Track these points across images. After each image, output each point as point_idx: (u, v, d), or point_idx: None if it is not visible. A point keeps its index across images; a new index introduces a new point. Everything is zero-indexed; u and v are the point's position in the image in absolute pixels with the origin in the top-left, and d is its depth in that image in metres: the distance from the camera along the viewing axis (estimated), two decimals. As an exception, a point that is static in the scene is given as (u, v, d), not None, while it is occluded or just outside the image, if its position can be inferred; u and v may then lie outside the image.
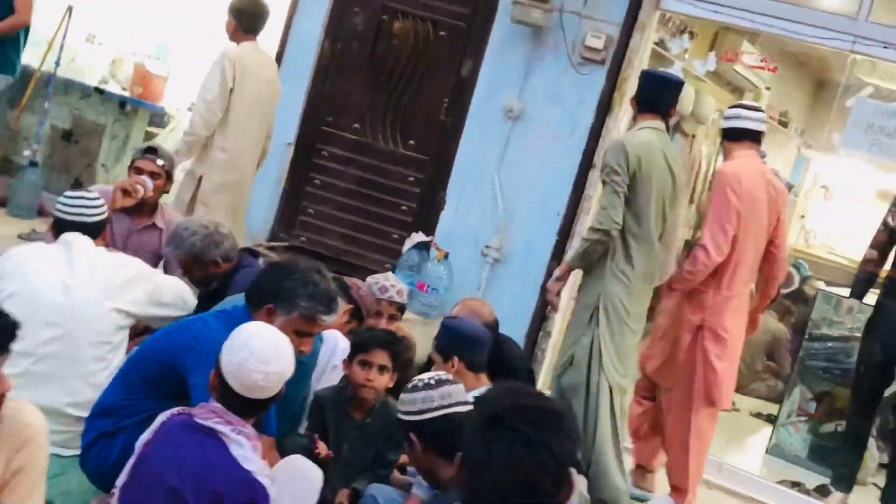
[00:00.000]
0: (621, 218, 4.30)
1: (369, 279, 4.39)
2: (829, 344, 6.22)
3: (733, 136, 4.67)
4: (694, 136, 7.42)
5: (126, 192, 4.56)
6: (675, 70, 6.05)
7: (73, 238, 3.62)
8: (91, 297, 3.49)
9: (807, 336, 6.26)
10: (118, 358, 3.53)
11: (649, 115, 4.48)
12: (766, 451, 6.24)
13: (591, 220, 5.32)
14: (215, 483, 2.61)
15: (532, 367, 4.75)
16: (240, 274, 4.32)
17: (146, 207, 4.69)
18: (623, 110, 5.80)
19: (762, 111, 4.80)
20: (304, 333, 3.14)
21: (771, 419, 6.79)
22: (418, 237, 6.20)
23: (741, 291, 4.65)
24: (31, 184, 6.42)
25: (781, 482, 5.68)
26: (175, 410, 2.79)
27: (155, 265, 4.47)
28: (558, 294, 4.63)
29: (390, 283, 4.34)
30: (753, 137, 4.66)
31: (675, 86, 4.58)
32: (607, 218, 4.29)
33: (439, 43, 6.28)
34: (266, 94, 5.49)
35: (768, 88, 7.91)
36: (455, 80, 6.24)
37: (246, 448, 2.67)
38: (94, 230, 3.76)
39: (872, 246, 5.46)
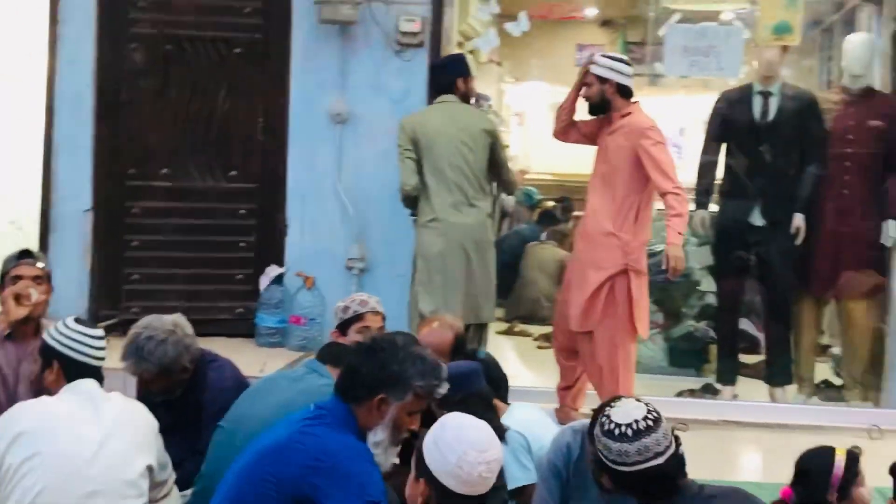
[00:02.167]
0: (413, 179, 5.01)
1: (339, 304, 3.95)
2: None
3: (628, 94, 4.75)
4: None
5: (18, 299, 3.77)
6: (490, 36, 6.01)
7: (89, 386, 3.02)
8: (124, 455, 2.91)
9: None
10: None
11: (441, 94, 5.21)
12: (631, 371, 6.51)
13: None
14: None
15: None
16: (213, 371, 3.78)
17: (31, 323, 3.90)
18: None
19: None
20: (415, 412, 2.86)
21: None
22: (273, 271, 5.75)
23: None
24: None
25: (679, 394, 5.96)
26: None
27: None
28: None
29: (360, 298, 3.95)
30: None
31: (446, 65, 5.31)
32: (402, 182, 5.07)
33: (238, 61, 5.74)
34: None
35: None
36: (265, 97, 5.78)
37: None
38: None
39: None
